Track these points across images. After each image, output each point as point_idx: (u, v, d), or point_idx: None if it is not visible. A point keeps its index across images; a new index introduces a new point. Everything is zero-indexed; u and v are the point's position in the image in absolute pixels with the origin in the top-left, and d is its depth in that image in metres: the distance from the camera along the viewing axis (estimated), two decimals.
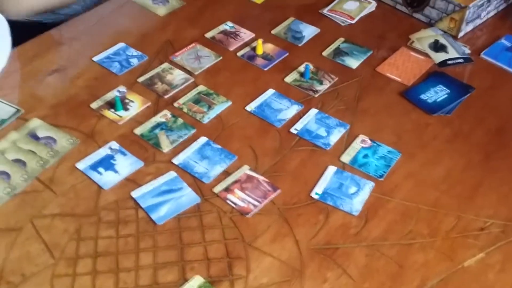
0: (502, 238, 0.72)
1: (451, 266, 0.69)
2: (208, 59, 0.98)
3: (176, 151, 0.82)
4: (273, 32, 1.05)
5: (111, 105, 0.88)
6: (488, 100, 0.93)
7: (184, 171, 0.79)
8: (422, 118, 0.89)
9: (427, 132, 0.86)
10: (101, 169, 0.78)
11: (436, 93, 0.92)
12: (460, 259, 0.69)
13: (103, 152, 0.81)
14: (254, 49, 1.00)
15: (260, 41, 0.99)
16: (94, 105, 0.88)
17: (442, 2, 1.04)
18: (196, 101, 0.90)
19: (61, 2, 1.10)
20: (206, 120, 0.87)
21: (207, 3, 1.13)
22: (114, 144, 0.82)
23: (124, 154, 0.81)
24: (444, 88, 0.93)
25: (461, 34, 1.05)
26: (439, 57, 1.00)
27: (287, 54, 1.00)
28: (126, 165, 0.79)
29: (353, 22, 1.08)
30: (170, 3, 1.12)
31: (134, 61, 0.97)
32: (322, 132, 0.85)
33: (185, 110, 0.88)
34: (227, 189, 0.76)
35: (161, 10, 1.10)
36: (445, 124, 0.88)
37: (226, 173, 0.79)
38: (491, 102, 0.92)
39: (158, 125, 0.85)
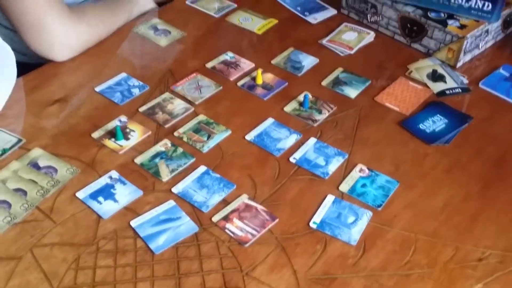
0: (501, 268, 0.72)
1: None
2: (209, 88, 0.99)
3: (176, 180, 0.82)
4: (273, 62, 1.06)
5: (112, 134, 0.89)
6: (486, 130, 0.93)
7: (183, 200, 0.79)
8: (420, 147, 0.89)
9: (426, 162, 0.87)
10: (100, 198, 0.79)
11: (434, 123, 0.93)
12: None
13: (103, 181, 0.82)
14: (254, 79, 1.01)
15: (260, 71, 1.01)
16: (95, 134, 0.89)
17: (439, 33, 1.05)
18: (196, 130, 0.91)
19: (107, 33, 1.10)
20: (205, 149, 0.87)
21: (207, 33, 1.15)
22: (114, 173, 0.83)
23: (124, 183, 0.81)
24: (442, 117, 0.94)
25: (459, 64, 1.06)
26: (437, 87, 1.01)
27: (287, 84, 1.01)
28: (126, 194, 0.80)
29: (352, 52, 1.10)
30: (171, 34, 1.14)
31: (136, 91, 0.98)
32: (320, 161, 0.86)
33: (185, 139, 0.89)
34: (226, 218, 0.77)
35: (163, 41, 1.12)
36: (443, 154, 0.88)
37: (225, 202, 0.79)
38: (490, 132, 0.93)
39: (158, 154, 0.86)
